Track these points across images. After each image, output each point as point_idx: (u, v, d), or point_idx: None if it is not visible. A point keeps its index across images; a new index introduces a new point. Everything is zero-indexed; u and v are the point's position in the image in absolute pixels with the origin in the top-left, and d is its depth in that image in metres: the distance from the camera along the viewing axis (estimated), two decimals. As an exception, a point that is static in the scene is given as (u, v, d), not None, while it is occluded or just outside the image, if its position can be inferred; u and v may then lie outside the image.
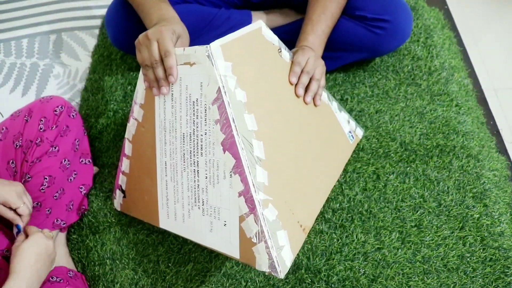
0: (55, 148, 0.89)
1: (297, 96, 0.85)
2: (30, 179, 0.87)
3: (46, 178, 0.88)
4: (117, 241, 0.96)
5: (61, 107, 0.92)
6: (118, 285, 0.91)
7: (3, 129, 0.89)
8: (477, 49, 1.42)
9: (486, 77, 1.34)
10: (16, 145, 0.87)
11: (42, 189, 0.88)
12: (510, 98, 1.29)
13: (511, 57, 1.40)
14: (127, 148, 0.89)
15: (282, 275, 0.69)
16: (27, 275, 0.69)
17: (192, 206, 0.78)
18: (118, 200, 0.95)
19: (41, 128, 0.88)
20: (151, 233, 0.97)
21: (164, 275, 0.91)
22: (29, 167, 0.87)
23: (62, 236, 0.96)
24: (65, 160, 0.91)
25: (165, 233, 0.96)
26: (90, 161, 1.00)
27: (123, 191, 0.93)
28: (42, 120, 0.89)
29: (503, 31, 1.48)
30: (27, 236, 0.77)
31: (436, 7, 1.46)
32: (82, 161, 0.98)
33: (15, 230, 0.82)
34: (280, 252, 0.70)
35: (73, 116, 0.94)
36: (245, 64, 0.75)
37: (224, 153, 0.70)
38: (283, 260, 0.70)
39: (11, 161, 0.87)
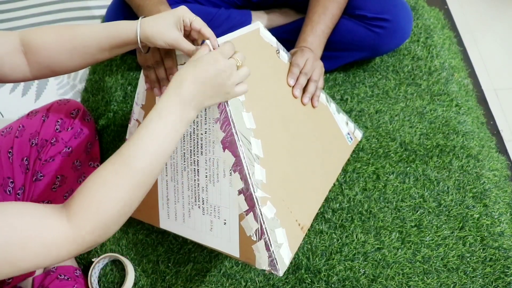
0: (69, 148, 0.91)
1: (295, 97, 0.85)
2: (42, 177, 0.88)
3: (59, 178, 0.89)
4: (117, 242, 0.96)
5: (77, 111, 0.94)
6: (118, 285, 0.91)
7: (19, 126, 0.89)
8: (477, 49, 1.42)
9: (486, 77, 1.34)
10: (32, 143, 0.88)
11: (54, 188, 0.89)
12: (510, 98, 1.29)
13: (511, 57, 1.40)
14: None
15: (280, 273, 0.69)
16: (183, 92, 0.59)
17: (192, 206, 0.78)
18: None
19: (57, 129, 0.90)
20: (150, 233, 0.97)
21: (164, 275, 0.91)
22: (41, 165, 0.88)
23: None
24: (77, 161, 0.92)
25: (164, 233, 0.96)
26: (99, 165, 1.01)
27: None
28: (58, 121, 0.90)
29: (503, 31, 1.48)
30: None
31: (436, 7, 1.46)
32: (91, 164, 0.99)
33: None
34: (279, 250, 0.70)
35: (87, 120, 0.96)
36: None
37: (224, 151, 0.70)
38: (281, 258, 0.70)
39: (25, 158, 0.88)
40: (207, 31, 0.68)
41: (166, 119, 0.58)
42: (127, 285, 0.89)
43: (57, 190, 0.90)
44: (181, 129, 0.59)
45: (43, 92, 1.31)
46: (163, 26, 0.67)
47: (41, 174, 0.88)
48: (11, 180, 0.86)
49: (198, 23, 0.68)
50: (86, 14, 1.52)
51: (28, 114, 0.93)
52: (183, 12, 0.68)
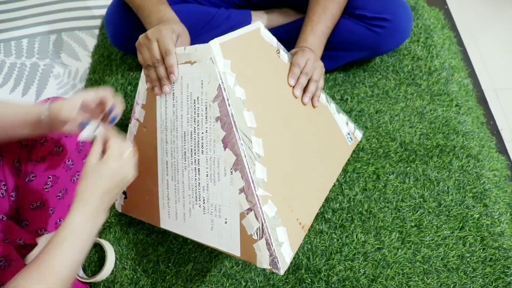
0: (60, 148, 0.90)
1: (295, 96, 0.86)
2: (34, 178, 0.87)
3: (50, 178, 0.89)
4: (117, 241, 0.96)
5: None
6: (118, 285, 0.91)
7: None
8: (477, 49, 1.42)
9: (486, 77, 1.34)
10: (22, 144, 0.87)
11: (46, 188, 0.88)
12: (510, 98, 1.29)
13: (511, 57, 1.40)
14: None
15: (281, 272, 0.69)
16: (92, 206, 0.63)
17: (193, 205, 0.78)
18: (119, 202, 0.95)
19: None
20: (151, 233, 0.97)
21: (164, 275, 0.91)
22: (33, 166, 0.87)
23: None
24: (69, 160, 0.92)
25: (165, 233, 0.96)
26: None
27: (124, 192, 0.93)
28: None
29: (503, 31, 1.48)
30: (104, 148, 0.68)
31: (436, 7, 1.47)
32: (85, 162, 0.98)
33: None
34: (280, 248, 0.70)
35: None
36: (244, 63, 0.75)
37: (225, 150, 0.71)
38: (282, 256, 0.70)
39: (16, 160, 0.87)
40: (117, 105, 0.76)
41: (79, 237, 0.62)
42: (107, 268, 0.89)
43: (50, 191, 0.89)
44: (92, 237, 0.64)
45: (43, 92, 1.31)
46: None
47: (33, 175, 0.87)
48: (4, 183, 0.85)
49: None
50: (86, 14, 1.52)
51: None
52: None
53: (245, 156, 0.69)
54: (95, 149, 0.67)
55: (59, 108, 0.72)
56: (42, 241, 0.89)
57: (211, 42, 0.70)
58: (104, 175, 0.64)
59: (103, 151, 0.68)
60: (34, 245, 0.85)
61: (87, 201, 0.63)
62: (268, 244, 0.69)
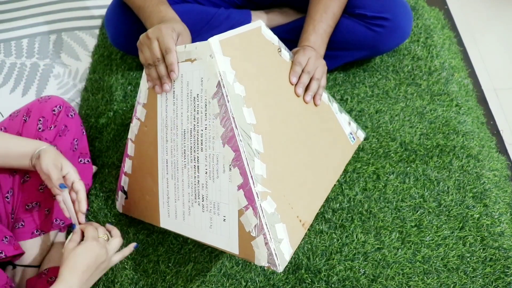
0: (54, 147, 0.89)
1: (297, 95, 0.86)
2: (29, 178, 0.87)
3: None
4: (117, 241, 0.96)
5: (59, 107, 0.91)
6: (118, 285, 0.91)
7: (1, 129, 0.88)
8: (477, 49, 1.42)
9: (486, 77, 1.34)
10: None
11: (41, 188, 0.88)
12: (510, 98, 1.29)
13: (511, 57, 1.40)
14: (130, 148, 0.89)
15: (281, 269, 0.69)
16: (74, 284, 0.67)
17: (192, 203, 0.78)
18: (120, 202, 0.95)
19: (39, 128, 0.88)
20: (151, 233, 0.97)
21: (164, 275, 0.91)
22: None
23: (61, 236, 0.96)
24: None
25: (165, 233, 0.96)
26: (89, 160, 1.00)
27: (125, 192, 0.93)
28: (40, 120, 0.88)
29: (503, 31, 1.48)
30: (82, 236, 0.75)
31: (436, 7, 1.47)
32: (81, 160, 0.97)
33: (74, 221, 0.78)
34: (279, 245, 0.70)
35: (71, 115, 0.94)
36: (244, 60, 0.75)
37: (224, 146, 0.70)
38: (282, 253, 0.70)
39: None
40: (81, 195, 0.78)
41: None
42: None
43: (45, 191, 0.88)
44: None
45: (43, 92, 1.31)
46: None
47: (27, 176, 0.87)
48: None
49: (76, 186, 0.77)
50: (85, 14, 1.52)
51: (10, 115, 0.91)
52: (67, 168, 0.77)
53: (244, 152, 0.69)
54: (73, 237, 0.74)
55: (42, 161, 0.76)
56: (29, 244, 0.89)
57: (210, 39, 0.70)
58: (82, 254, 0.70)
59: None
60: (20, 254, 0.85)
61: (68, 280, 0.66)
62: (266, 241, 0.68)
